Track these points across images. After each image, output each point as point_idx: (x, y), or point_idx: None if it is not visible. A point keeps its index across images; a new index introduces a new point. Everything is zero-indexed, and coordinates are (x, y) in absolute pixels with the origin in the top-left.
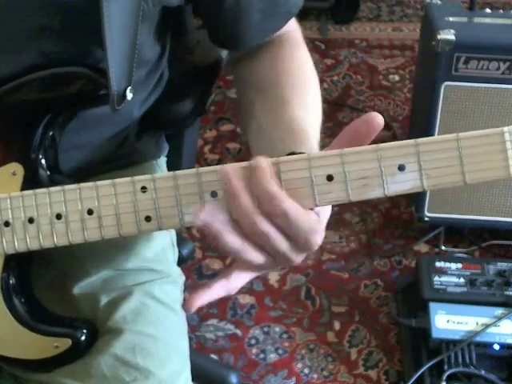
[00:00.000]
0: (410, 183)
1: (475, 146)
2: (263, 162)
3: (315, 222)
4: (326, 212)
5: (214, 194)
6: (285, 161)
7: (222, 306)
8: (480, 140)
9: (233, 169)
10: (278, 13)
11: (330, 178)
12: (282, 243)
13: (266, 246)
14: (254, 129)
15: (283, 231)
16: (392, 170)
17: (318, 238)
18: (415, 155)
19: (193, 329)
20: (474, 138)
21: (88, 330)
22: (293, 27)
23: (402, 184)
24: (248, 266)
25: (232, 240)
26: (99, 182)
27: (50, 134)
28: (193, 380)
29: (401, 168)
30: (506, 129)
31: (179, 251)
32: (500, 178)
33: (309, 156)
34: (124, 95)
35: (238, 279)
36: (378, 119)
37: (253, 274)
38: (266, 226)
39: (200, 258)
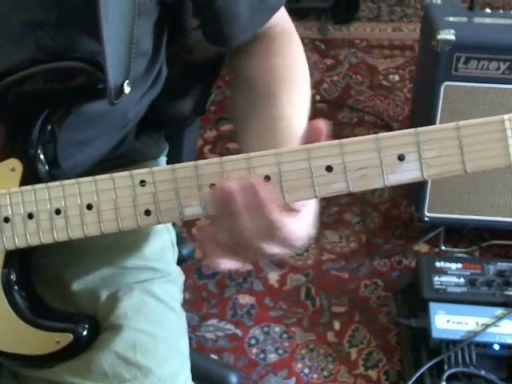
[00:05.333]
0: (410, 173)
1: (475, 135)
2: (260, 183)
3: (306, 227)
4: (311, 205)
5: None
6: (284, 152)
7: (222, 306)
8: (480, 128)
9: (238, 187)
10: (263, 8)
11: (329, 168)
12: (276, 250)
13: (261, 253)
14: (243, 126)
15: (280, 245)
16: (392, 159)
17: (305, 240)
18: (415, 145)
19: (193, 329)
20: (474, 127)
21: (89, 325)
22: (283, 20)
23: (402, 174)
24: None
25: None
26: (98, 177)
27: (49, 128)
28: (193, 380)
29: (401, 158)
30: (506, 116)
31: (179, 251)
32: (501, 166)
33: (307, 147)
34: (122, 89)
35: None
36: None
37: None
38: (265, 245)
39: (200, 257)
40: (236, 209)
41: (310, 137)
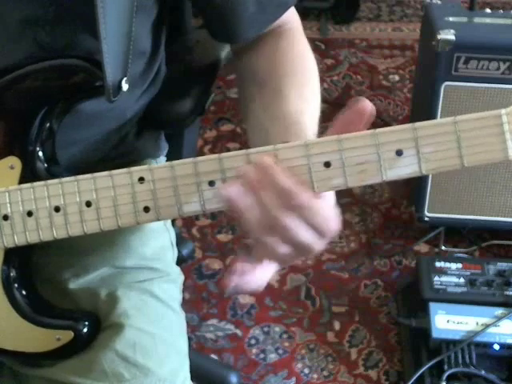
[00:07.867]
0: (408, 168)
1: (473, 129)
2: (268, 160)
3: (330, 208)
4: (331, 196)
5: (211, 184)
6: (282, 148)
7: (222, 306)
8: (477, 123)
9: (249, 168)
10: (273, 4)
11: (327, 164)
12: (304, 234)
13: (289, 238)
14: (252, 123)
15: (304, 222)
16: (390, 155)
17: (334, 223)
18: (413, 140)
19: (193, 329)
20: (472, 121)
21: (90, 323)
22: (293, 18)
23: (400, 169)
24: (270, 256)
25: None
26: (97, 174)
27: (47, 126)
28: (192, 380)
29: (399, 153)
30: (503, 111)
31: (179, 251)
32: (498, 161)
33: (306, 142)
34: (119, 86)
35: (265, 273)
36: (369, 107)
37: (275, 266)
38: (288, 220)
39: (200, 257)
40: (253, 187)
41: (351, 119)
